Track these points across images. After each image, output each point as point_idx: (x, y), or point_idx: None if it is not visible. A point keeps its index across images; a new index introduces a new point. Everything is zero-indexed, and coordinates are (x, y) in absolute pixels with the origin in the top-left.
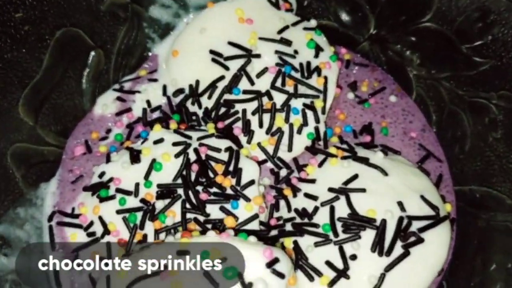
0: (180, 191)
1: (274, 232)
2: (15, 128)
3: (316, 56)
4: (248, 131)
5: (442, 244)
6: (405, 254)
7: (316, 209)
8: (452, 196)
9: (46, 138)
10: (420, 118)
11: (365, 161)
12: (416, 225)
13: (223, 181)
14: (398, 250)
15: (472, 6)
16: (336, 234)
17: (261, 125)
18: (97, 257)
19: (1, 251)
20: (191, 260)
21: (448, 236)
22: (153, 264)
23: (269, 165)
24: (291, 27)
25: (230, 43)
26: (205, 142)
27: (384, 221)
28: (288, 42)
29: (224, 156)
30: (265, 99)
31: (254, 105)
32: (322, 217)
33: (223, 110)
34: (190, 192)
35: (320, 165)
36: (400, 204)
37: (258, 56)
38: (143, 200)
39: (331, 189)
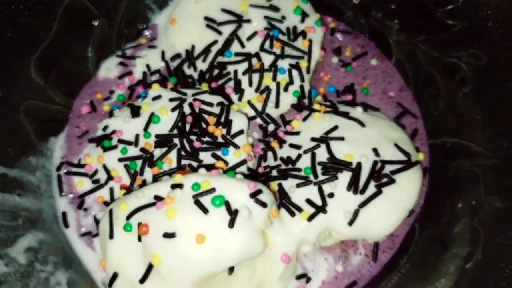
0: (176, 140)
1: (261, 178)
2: (28, 87)
3: (302, 21)
4: (239, 90)
5: (412, 185)
6: (378, 193)
7: (299, 156)
8: (426, 148)
9: (55, 98)
10: (398, 79)
11: (345, 114)
12: (389, 168)
13: (214, 131)
14: (371, 189)
15: None
16: (316, 176)
17: (250, 84)
18: (101, 201)
19: (15, 191)
20: (184, 191)
21: (418, 179)
22: (150, 197)
23: (258, 121)
24: None
25: (223, 10)
26: (199, 97)
27: (359, 164)
28: (276, 9)
29: (216, 109)
30: (254, 60)
31: (244, 66)
32: (304, 163)
33: (216, 71)
34: (185, 141)
35: (305, 119)
36: (375, 150)
37: (248, 21)
38: (142, 149)
39: (313, 139)
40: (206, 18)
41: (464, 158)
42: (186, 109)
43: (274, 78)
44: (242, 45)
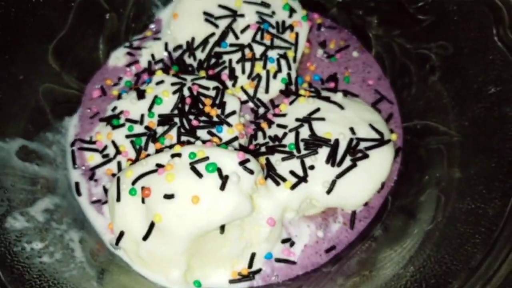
0: (176, 119)
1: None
2: (46, 72)
3: (290, 16)
4: (233, 77)
5: (384, 160)
6: (353, 165)
7: (284, 134)
8: (400, 130)
9: (69, 82)
10: (377, 69)
11: (326, 99)
12: (363, 145)
13: (210, 111)
14: (347, 162)
15: None
16: (299, 151)
17: (243, 71)
18: (110, 173)
19: (34, 161)
20: (181, 159)
21: (389, 155)
22: (152, 164)
23: (250, 104)
24: None
25: (220, 6)
26: (197, 82)
27: (337, 140)
28: (267, 5)
29: (212, 93)
30: (247, 51)
31: (238, 55)
32: (289, 140)
33: (213, 60)
34: (184, 120)
35: (291, 103)
36: (351, 129)
37: (242, 16)
38: (147, 127)
39: (297, 119)
40: (205, 13)
41: (432, 137)
42: (186, 92)
43: (264, 67)
44: (236, 37)
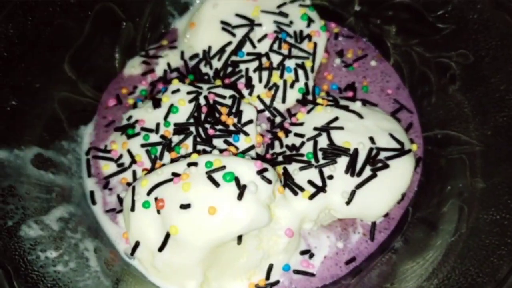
0: (192, 128)
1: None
2: (62, 80)
3: (308, 26)
4: (249, 85)
5: (404, 171)
6: (373, 176)
7: (302, 143)
8: (420, 140)
9: (85, 91)
10: (395, 78)
11: (345, 107)
12: (383, 155)
13: (226, 120)
14: (367, 172)
15: None
16: (317, 160)
17: (260, 80)
18: (125, 182)
19: (49, 169)
20: (198, 169)
21: (410, 165)
22: (168, 174)
23: (266, 114)
24: (288, 3)
25: (237, 15)
26: (213, 91)
27: (356, 150)
28: (285, 15)
29: (228, 101)
30: (264, 60)
31: (255, 64)
32: (307, 149)
33: (230, 69)
34: (200, 129)
35: (308, 112)
36: (371, 138)
37: (259, 25)
38: (162, 136)
39: (315, 128)
40: (222, 22)
41: (453, 147)
42: (202, 101)
43: (281, 76)
44: (254, 46)
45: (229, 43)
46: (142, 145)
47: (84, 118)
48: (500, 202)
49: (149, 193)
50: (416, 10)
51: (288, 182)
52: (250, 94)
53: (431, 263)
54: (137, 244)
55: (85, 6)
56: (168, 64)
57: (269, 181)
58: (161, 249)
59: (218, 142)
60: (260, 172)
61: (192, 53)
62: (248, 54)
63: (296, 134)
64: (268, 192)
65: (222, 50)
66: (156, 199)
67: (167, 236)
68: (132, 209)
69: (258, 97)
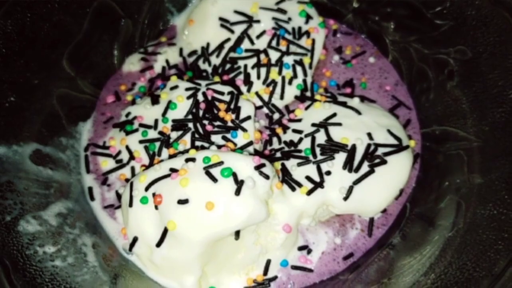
0: (190, 124)
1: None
2: (60, 77)
3: (306, 22)
4: (248, 82)
5: (402, 166)
6: (371, 171)
7: (300, 139)
8: (418, 136)
9: (84, 88)
10: (394, 75)
11: (343, 104)
12: (381, 151)
13: (225, 116)
14: (365, 168)
15: None
16: (315, 156)
17: (258, 77)
18: (123, 178)
19: (48, 165)
20: (196, 164)
21: (408, 161)
22: (166, 169)
23: (265, 110)
24: (287, 0)
25: (236, 12)
26: (211, 87)
27: (354, 146)
28: (283, 11)
29: (227, 97)
30: (262, 56)
31: (253, 61)
32: (304, 145)
33: (228, 66)
34: (198, 125)
35: (307, 108)
36: (369, 134)
37: (258, 21)
38: (160, 133)
39: (313, 124)
40: (221, 19)
41: (451, 143)
42: (200, 97)
43: (279, 72)
44: (252, 43)
45: (228, 39)
46: (141, 141)
47: (82, 114)
48: (497, 198)
49: (147, 188)
50: (414, 7)
51: (286, 178)
52: (249, 90)
53: (429, 258)
54: (135, 240)
55: (83, 3)
56: (167, 61)
57: (267, 177)
58: (159, 244)
59: (216, 138)
60: (258, 168)
61: (190, 50)
62: (247, 50)
63: (294, 130)
64: (266, 188)
65: (220, 47)
66: (154, 194)
67: (165, 231)
68: (130, 204)
69: (257, 93)
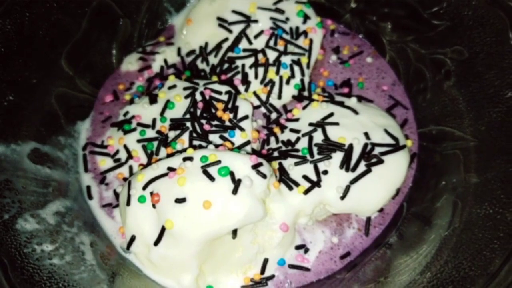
0: (188, 124)
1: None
2: (59, 76)
3: (304, 22)
4: (246, 81)
5: (399, 166)
6: (367, 171)
7: (298, 139)
8: (415, 136)
9: (82, 87)
10: (391, 75)
11: (340, 103)
12: (378, 150)
13: (222, 115)
14: (361, 168)
15: None
16: (312, 155)
17: (256, 77)
18: (121, 177)
19: (46, 163)
20: (193, 163)
21: (404, 161)
22: (164, 168)
23: (262, 109)
24: (284, 0)
25: (234, 11)
26: (209, 86)
27: (351, 145)
28: (281, 11)
29: (224, 97)
30: (260, 56)
31: (251, 60)
32: (302, 144)
33: (226, 65)
34: (196, 124)
35: (304, 108)
36: (366, 134)
37: (256, 21)
38: (158, 132)
39: (311, 124)
40: (219, 18)
41: (448, 143)
42: (198, 97)
43: (277, 72)
44: (250, 42)
45: (226, 39)
46: (139, 141)
47: (81, 113)
48: (493, 197)
49: (144, 187)
50: (411, 7)
51: (283, 177)
52: (246, 90)
53: (425, 257)
54: (133, 238)
55: (82, 2)
56: (165, 61)
57: (264, 176)
58: (156, 243)
59: (214, 138)
60: (255, 167)
61: (188, 50)
62: (245, 50)
63: (292, 130)
64: (263, 187)
65: (218, 47)
66: (151, 193)
67: (163, 230)
68: (128, 203)
69: (254, 93)
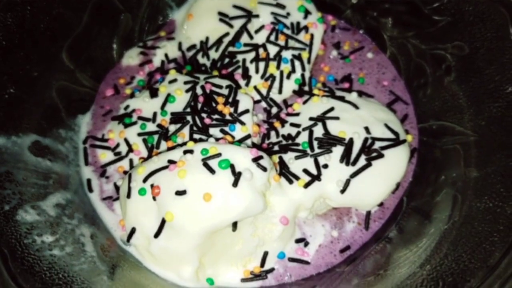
0: (189, 117)
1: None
2: (60, 69)
3: (305, 17)
4: (246, 76)
5: (399, 160)
6: (368, 165)
7: (298, 133)
8: (415, 131)
9: (83, 81)
10: (392, 70)
11: (341, 98)
12: (378, 144)
13: (223, 109)
14: (362, 162)
15: None
16: (312, 149)
17: (257, 71)
18: (122, 170)
19: (47, 156)
20: (194, 156)
21: (404, 155)
22: (164, 161)
23: (263, 104)
24: None
25: (235, 6)
26: (210, 80)
27: (351, 139)
28: (282, 6)
29: (225, 91)
30: (261, 51)
31: (252, 55)
32: (302, 138)
33: (227, 60)
34: (196, 118)
35: (305, 102)
36: (366, 128)
37: (257, 16)
38: (159, 125)
39: (311, 118)
40: (220, 13)
41: (448, 138)
42: (199, 91)
43: (278, 67)
44: (251, 37)
45: (227, 34)
46: (139, 134)
47: (81, 107)
48: (493, 191)
49: (145, 180)
50: (412, 3)
51: (284, 171)
52: (247, 84)
53: (424, 250)
54: (133, 231)
55: None
56: (166, 55)
57: (264, 169)
58: (157, 235)
59: (215, 131)
60: (256, 160)
61: (189, 44)
62: (245, 45)
63: (292, 124)
64: (263, 180)
65: (219, 41)
66: (152, 186)
67: (163, 222)
68: (128, 196)
69: (255, 87)
